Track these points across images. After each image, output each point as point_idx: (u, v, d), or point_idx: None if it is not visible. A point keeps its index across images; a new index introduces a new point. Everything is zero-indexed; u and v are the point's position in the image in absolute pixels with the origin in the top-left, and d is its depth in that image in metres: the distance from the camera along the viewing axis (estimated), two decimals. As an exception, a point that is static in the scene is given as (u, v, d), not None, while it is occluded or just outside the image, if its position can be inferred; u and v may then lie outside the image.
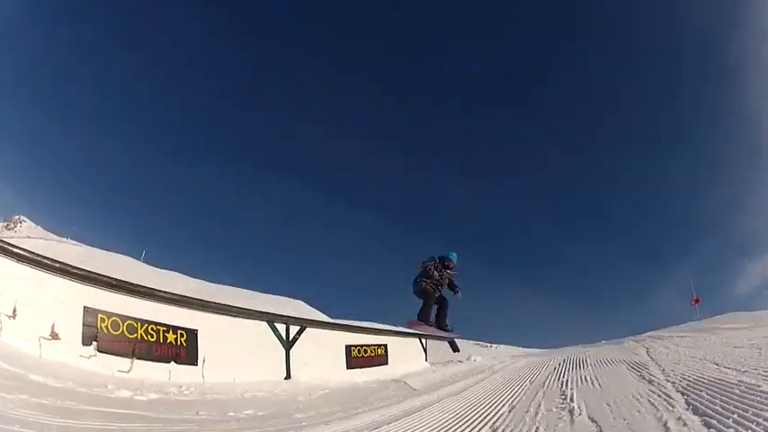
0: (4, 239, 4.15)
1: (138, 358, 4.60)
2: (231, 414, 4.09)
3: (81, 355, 4.27)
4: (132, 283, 4.88)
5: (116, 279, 4.72)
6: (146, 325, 4.78)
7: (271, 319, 6.22)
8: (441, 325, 12.25)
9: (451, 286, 12.53)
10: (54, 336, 4.12)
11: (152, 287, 5.08)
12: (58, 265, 4.28)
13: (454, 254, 12.77)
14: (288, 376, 6.04)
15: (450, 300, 12.59)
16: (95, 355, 4.34)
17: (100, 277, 4.56)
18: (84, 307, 4.38)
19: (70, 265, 4.38)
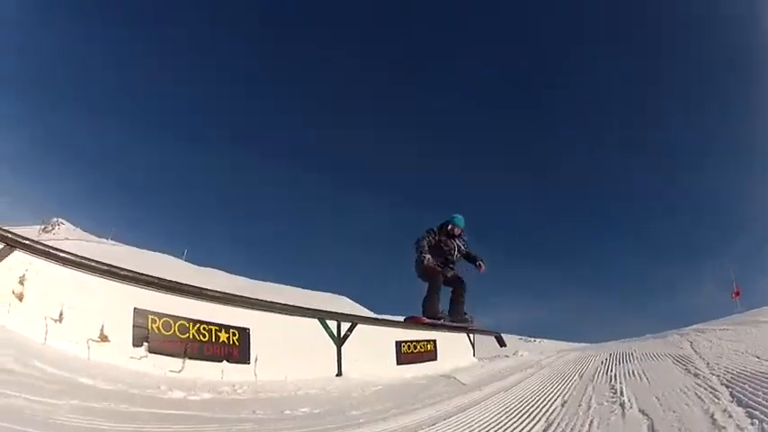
0: (47, 244, 4.09)
1: (190, 358, 4.51)
2: (287, 412, 3.95)
3: (131, 357, 4.17)
4: (183, 284, 4.82)
5: (167, 280, 4.65)
6: (198, 325, 4.68)
7: (322, 316, 6.11)
8: (456, 315, 9.17)
9: (469, 257, 9.49)
10: (103, 338, 4.04)
11: (203, 287, 5.02)
12: (105, 267, 4.20)
13: (459, 216, 9.49)
14: (339, 373, 5.90)
15: (467, 280, 9.49)
16: (146, 356, 4.24)
17: (150, 278, 4.49)
18: (135, 308, 4.29)
19: (119, 267, 4.30)
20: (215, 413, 3.58)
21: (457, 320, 9.13)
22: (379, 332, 6.97)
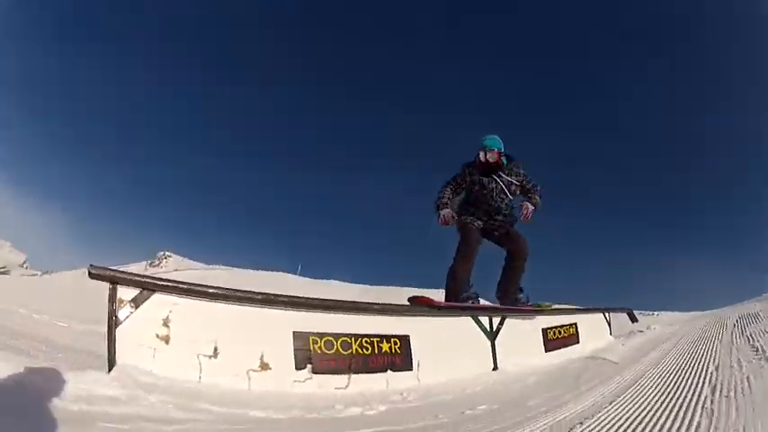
0: (189, 282, 4.10)
1: (355, 372, 4.46)
2: (468, 412, 3.77)
3: (295, 380, 4.12)
4: (342, 301, 4.86)
5: (320, 299, 4.65)
6: (360, 339, 4.66)
7: (475, 313, 5.96)
8: (506, 293, 6.21)
9: (524, 191, 6.04)
10: (264, 366, 4.01)
11: (356, 301, 5.13)
12: (261, 296, 4.21)
13: (491, 136, 5.83)
14: (495, 367, 5.73)
15: (523, 236, 6.17)
16: (311, 378, 4.19)
17: (305, 301, 4.51)
18: (294, 332, 4.26)
19: (270, 294, 4.31)
20: (406, 425, 3.44)
21: (505, 301, 6.22)
22: (526, 322, 6.77)
